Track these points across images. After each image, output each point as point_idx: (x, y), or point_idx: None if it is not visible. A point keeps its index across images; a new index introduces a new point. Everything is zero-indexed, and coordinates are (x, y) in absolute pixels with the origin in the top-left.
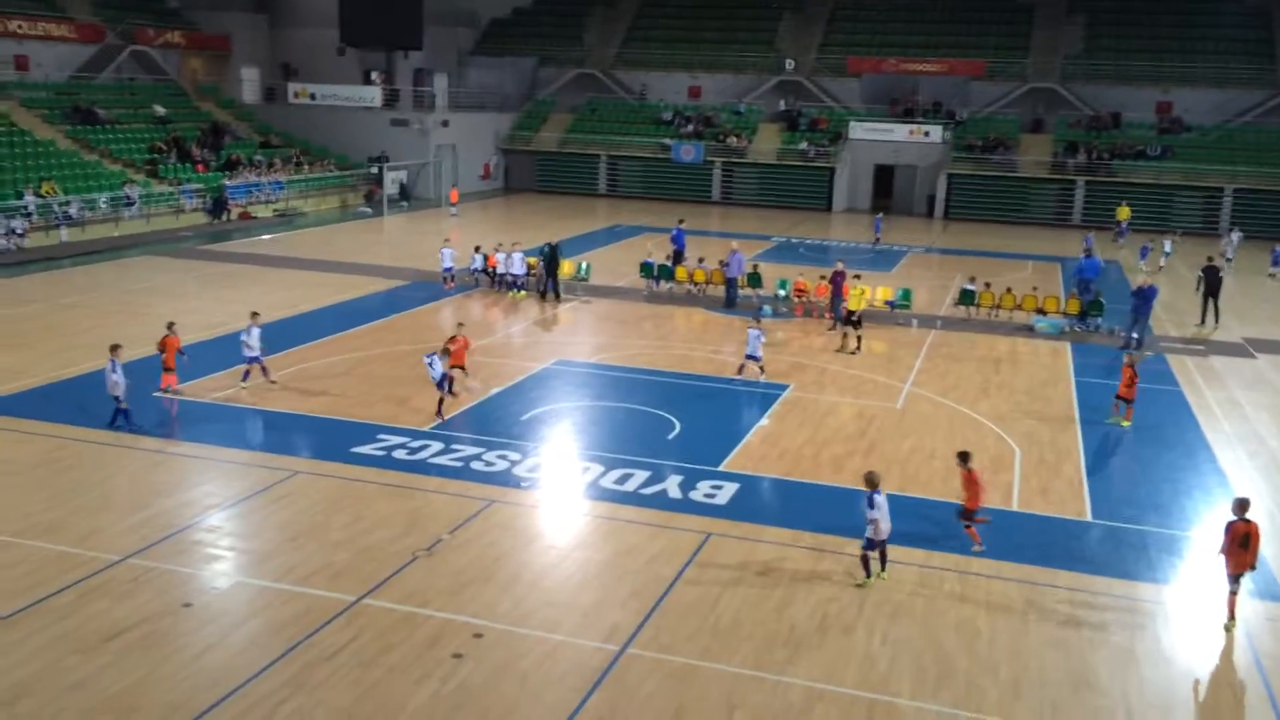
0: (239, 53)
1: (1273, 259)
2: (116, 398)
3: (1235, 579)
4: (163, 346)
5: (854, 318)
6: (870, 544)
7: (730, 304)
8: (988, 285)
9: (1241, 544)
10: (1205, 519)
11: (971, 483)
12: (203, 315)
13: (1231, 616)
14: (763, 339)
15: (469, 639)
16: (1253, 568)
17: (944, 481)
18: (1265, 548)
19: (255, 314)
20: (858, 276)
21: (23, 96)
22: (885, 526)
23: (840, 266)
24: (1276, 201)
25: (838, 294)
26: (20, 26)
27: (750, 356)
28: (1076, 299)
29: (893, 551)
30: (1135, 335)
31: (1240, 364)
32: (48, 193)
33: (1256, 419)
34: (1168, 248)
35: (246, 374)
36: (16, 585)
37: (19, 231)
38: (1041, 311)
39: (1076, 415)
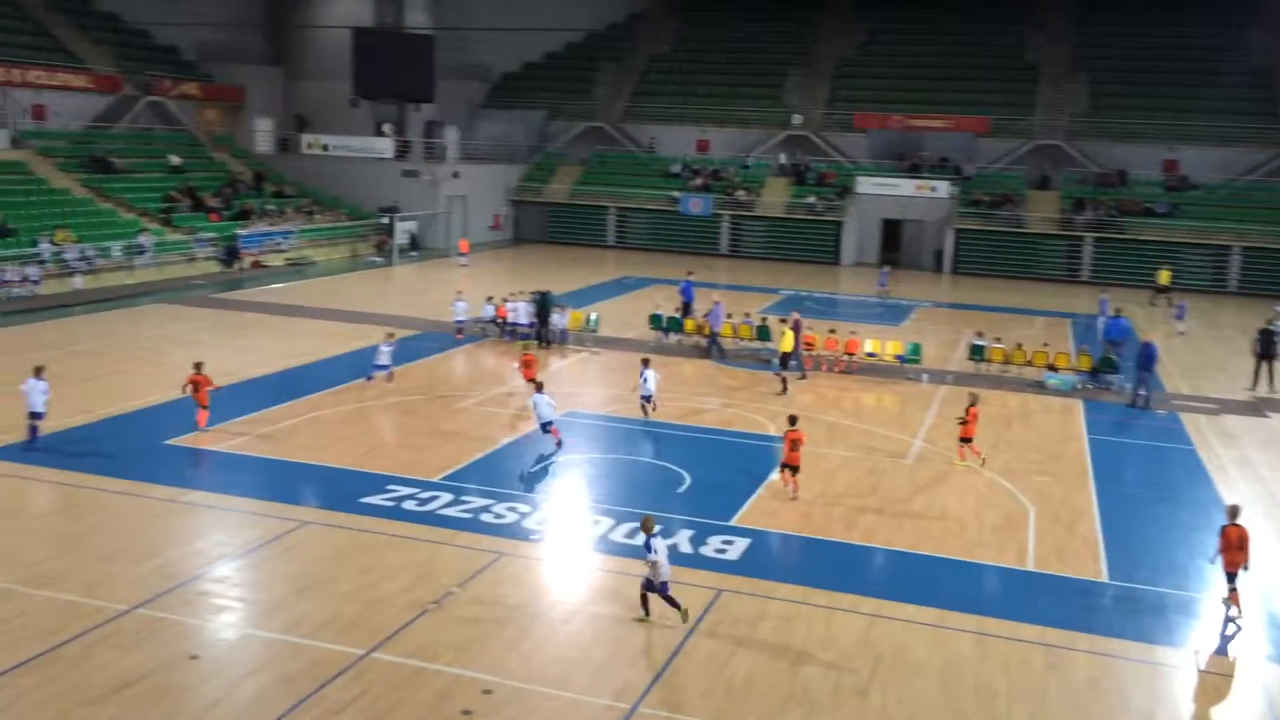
0: (253, 104)
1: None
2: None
3: (1233, 577)
4: (195, 385)
5: (779, 359)
6: (649, 584)
7: (720, 355)
8: (998, 340)
9: (1239, 546)
10: (1224, 580)
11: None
12: (215, 363)
13: (1238, 607)
14: (657, 379)
15: (478, 695)
16: (1245, 567)
17: (957, 539)
18: None
19: (390, 334)
20: (832, 331)
21: (40, 145)
22: (664, 569)
23: (796, 316)
24: None
25: (797, 341)
26: (39, 76)
27: (645, 398)
28: (1088, 356)
29: (907, 610)
30: (1142, 392)
31: (1253, 423)
32: (62, 240)
33: (1272, 479)
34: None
35: (370, 377)
36: (25, 634)
37: (34, 279)
38: (1053, 368)
39: (1090, 473)
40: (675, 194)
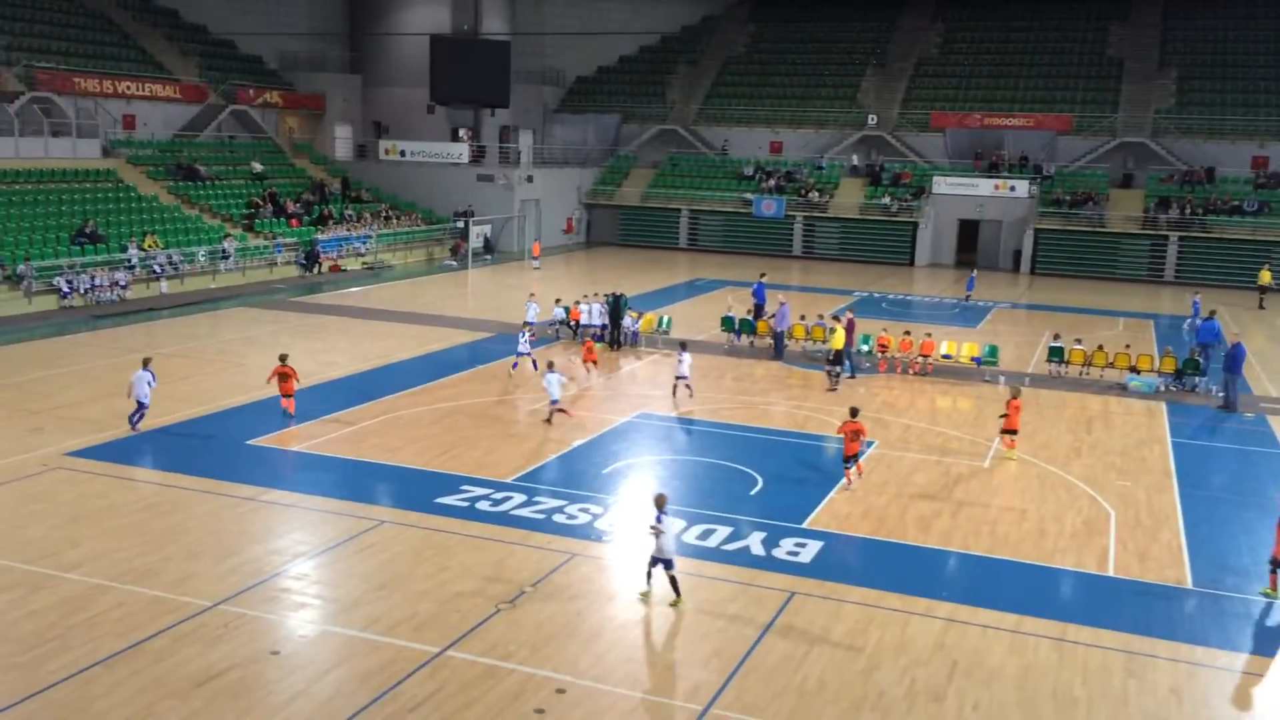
0: (332, 111)
1: None
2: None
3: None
4: (281, 376)
5: (831, 357)
6: (654, 559)
7: (779, 355)
8: (1078, 342)
9: None
10: None
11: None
12: (294, 365)
13: (1275, 589)
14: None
15: (551, 694)
16: None
17: (1035, 544)
18: None
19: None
20: (907, 333)
21: (129, 154)
22: (667, 546)
23: (850, 315)
24: None
25: (849, 340)
26: (129, 88)
27: (679, 377)
28: (1172, 357)
29: (984, 615)
30: (1225, 394)
31: None
32: (150, 246)
33: None
34: None
35: (515, 364)
36: (115, 628)
37: (122, 284)
38: (1135, 370)
39: (1174, 477)
40: (748, 196)
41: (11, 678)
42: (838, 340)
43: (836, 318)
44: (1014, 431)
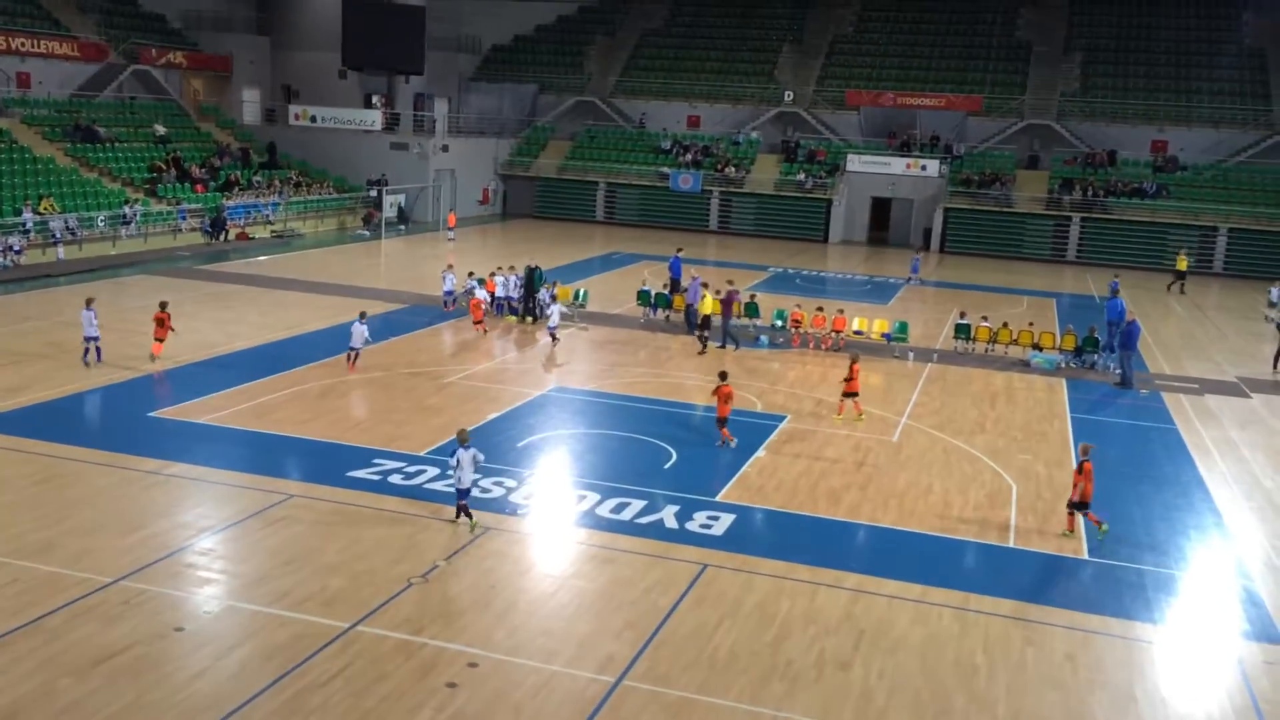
0: (240, 74)
1: (1270, 299)
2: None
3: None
4: (158, 322)
5: (699, 321)
6: (456, 491)
7: (691, 330)
8: (984, 320)
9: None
10: (1202, 558)
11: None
12: (199, 335)
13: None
14: (562, 311)
15: (464, 668)
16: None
17: (940, 516)
18: (1261, 590)
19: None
20: (820, 308)
21: (24, 114)
22: (463, 478)
23: (731, 288)
24: (1271, 242)
25: (727, 312)
26: (23, 44)
27: (352, 347)
28: (1072, 335)
29: (889, 585)
30: (1121, 370)
31: (1235, 403)
32: (46, 210)
33: (1252, 459)
34: (1274, 296)
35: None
36: (9, 605)
37: (16, 249)
38: (1038, 347)
39: (1073, 452)
40: (665, 170)
41: None
42: (706, 306)
43: (705, 284)
44: (855, 394)
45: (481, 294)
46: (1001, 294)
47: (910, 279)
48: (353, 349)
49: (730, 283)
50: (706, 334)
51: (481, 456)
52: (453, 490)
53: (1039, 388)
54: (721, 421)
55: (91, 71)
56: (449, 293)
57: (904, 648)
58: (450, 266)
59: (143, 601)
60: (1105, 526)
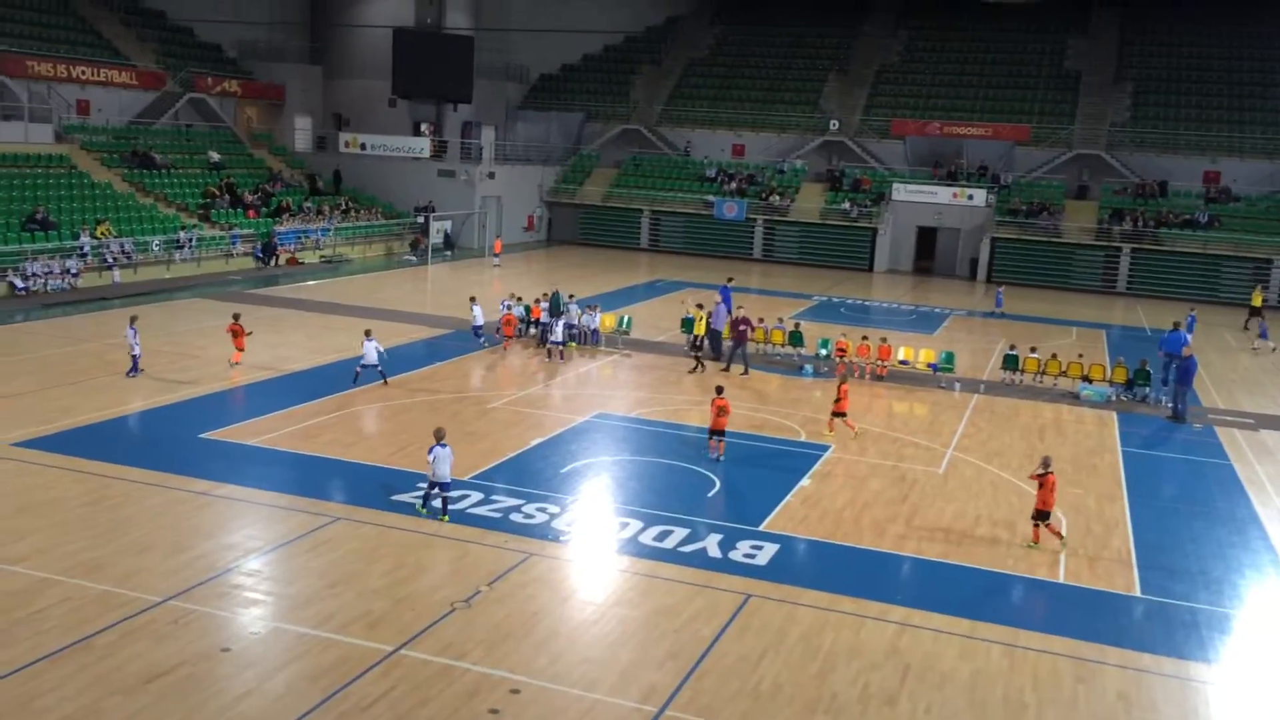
0: (292, 102)
1: None
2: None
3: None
4: (234, 333)
5: (695, 341)
6: (430, 484)
7: (716, 355)
8: (1033, 351)
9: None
10: (1258, 596)
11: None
12: (249, 358)
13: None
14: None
15: (506, 694)
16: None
17: (988, 550)
18: None
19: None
20: (864, 338)
21: (83, 140)
22: (438, 471)
23: (742, 312)
24: None
25: (741, 338)
26: (84, 72)
27: (365, 365)
28: (1124, 367)
29: (936, 620)
30: (1174, 404)
31: None
32: (103, 234)
33: None
34: None
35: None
36: (61, 623)
37: (73, 271)
38: (1088, 379)
39: (1124, 486)
40: (710, 198)
41: None
42: (700, 326)
43: (700, 305)
44: (844, 414)
45: (518, 311)
46: (1050, 325)
47: (994, 311)
48: (376, 368)
49: (740, 307)
50: (700, 353)
51: (448, 454)
52: (496, 514)
53: (1089, 420)
54: (714, 433)
55: (149, 99)
56: (478, 327)
57: (951, 683)
58: (474, 299)
59: (191, 621)
60: (1064, 540)
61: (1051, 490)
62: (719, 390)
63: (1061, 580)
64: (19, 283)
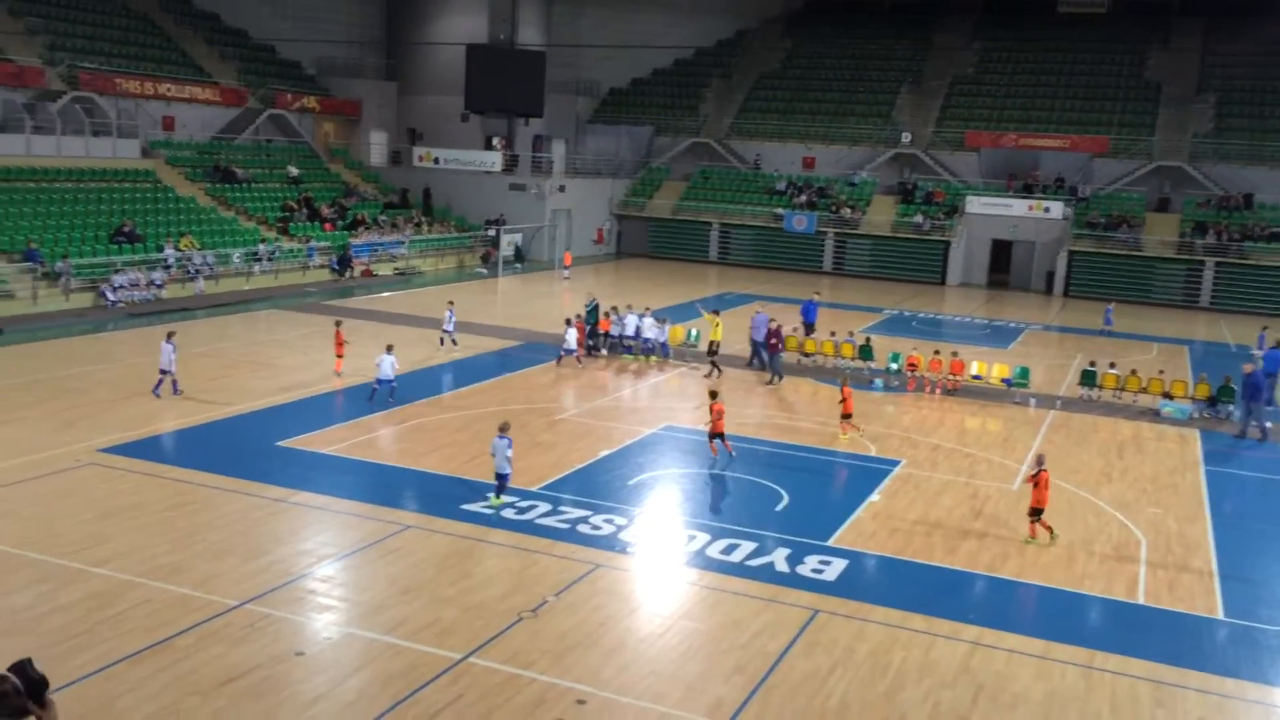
0: (369, 117)
1: None
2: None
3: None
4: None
5: (711, 349)
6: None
7: (762, 366)
8: (1111, 366)
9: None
10: None
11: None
12: (324, 368)
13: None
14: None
15: (572, 705)
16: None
17: (1064, 568)
18: None
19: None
20: (936, 352)
21: (168, 155)
22: (497, 463)
23: (776, 324)
24: None
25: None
26: (169, 89)
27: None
28: (1206, 384)
29: (1010, 639)
30: (1257, 423)
31: None
32: (186, 247)
33: None
34: None
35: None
36: (142, 624)
37: (158, 283)
38: (1169, 396)
39: (1206, 505)
40: (780, 211)
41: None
42: (717, 333)
43: (715, 311)
44: (850, 415)
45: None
46: (1129, 339)
47: (1104, 329)
48: (390, 384)
49: (773, 319)
50: (715, 360)
51: (506, 445)
52: (563, 525)
53: (1170, 438)
54: (714, 436)
55: (231, 115)
56: (570, 350)
57: (1025, 704)
58: (568, 321)
59: (266, 625)
60: (1056, 535)
61: (1045, 488)
62: (713, 395)
63: (1141, 601)
64: (110, 295)
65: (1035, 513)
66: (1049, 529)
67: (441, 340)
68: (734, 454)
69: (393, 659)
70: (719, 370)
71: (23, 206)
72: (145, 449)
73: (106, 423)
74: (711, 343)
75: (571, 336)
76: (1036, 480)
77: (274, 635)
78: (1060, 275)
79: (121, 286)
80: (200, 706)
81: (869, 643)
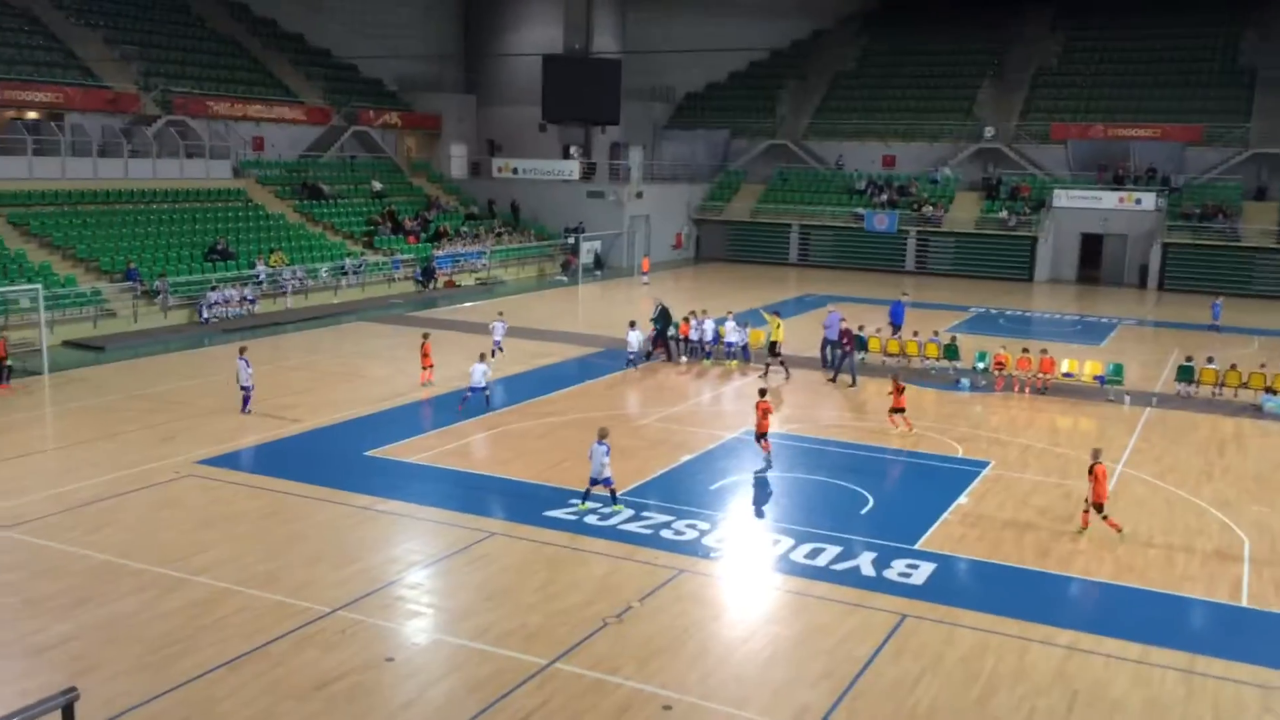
0: (449, 130)
1: None
2: (245, 387)
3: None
4: (425, 352)
5: (775, 350)
6: (592, 480)
7: (827, 364)
8: (1210, 361)
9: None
10: None
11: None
12: (409, 378)
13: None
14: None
15: (658, 710)
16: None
17: (1163, 571)
18: None
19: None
20: (1025, 350)
21: (259, 174)
22: (594, 468)
23: (844, 324)
24: None
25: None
26: (258, 110)
27: (474, 388)
28: None
29: (1107, 644)
30: None
31: None
32: (276, 263)
33: None
34: None
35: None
36: (240, 630)
37: (251, 299)
38: (1271, 390)
39: None
40: (860, 210)
41: (143, 677)
42: (779, 333)
43: (776, 312)
44: (902, 410)
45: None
46: (1229, 333)
47: (1212, 324)
48: (483, 391)
49: (843, 320)
50: (780, 359)
51: (604, 453)
52: (646, 530)
53: (1274, 434)
54: (759, 436)
55: (317, 134)
56: (633, 354)
57: (1123, 711)
58: (633, 323)
59: (357, 631)
60: (1124, 530)
61: (1103, 481)
62: (762, 393)
63: (1244, 604)
64: (205, 311)
65: (1097, 508)
66: (1116, 527)
67: (493, 352)
68: (769, 460)
69: (480, 664)
70: (787, 373)
71: (122, 228)
72: (240, 460)
73: (204, 435)
74: (773, 343)
75: (634, 339)
76: (1092, 473)
77: (365, 641)
78: (1154, 268)
79: (216, 303)
80: (295, 710)
81: (959, 648)
